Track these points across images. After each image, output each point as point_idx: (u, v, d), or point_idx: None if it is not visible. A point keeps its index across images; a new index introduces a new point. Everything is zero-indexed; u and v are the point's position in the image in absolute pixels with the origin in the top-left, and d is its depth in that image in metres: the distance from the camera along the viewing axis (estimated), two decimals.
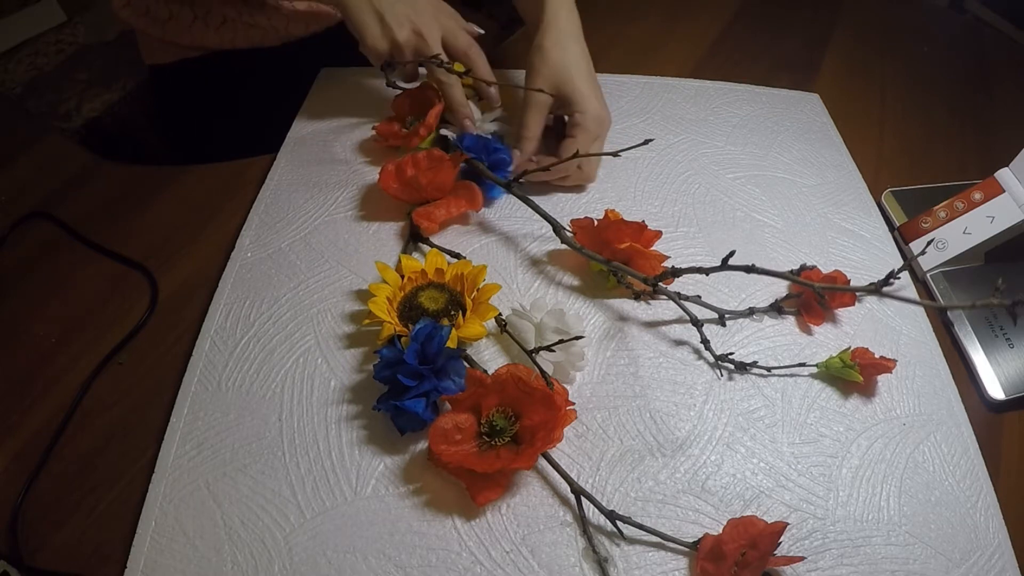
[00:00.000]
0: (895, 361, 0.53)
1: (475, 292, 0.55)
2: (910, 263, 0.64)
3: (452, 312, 0.53)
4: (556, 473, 0.48)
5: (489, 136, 0.66)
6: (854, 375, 0.53)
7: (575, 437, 0.50)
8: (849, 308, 0.59)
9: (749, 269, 0.52)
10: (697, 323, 0.55)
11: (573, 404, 0.48)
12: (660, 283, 0.54)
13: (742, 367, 0.55)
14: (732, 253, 0.52)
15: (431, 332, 0.49)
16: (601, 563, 0.44)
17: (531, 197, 0.61)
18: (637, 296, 0.59)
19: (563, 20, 0.67)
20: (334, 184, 0.66)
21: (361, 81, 0.77)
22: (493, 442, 0.47)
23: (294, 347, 0.54)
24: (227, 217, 0.64)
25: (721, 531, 0.45)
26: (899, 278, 0.52)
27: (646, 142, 0.59)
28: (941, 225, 0.65)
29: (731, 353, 0.55)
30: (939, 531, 0.48)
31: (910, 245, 0.66)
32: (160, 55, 0.83)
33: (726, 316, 0.57)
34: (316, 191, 0.65)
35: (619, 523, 0.45)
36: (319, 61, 0.79)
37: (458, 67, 0.72)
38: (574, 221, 0.59)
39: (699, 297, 0.57)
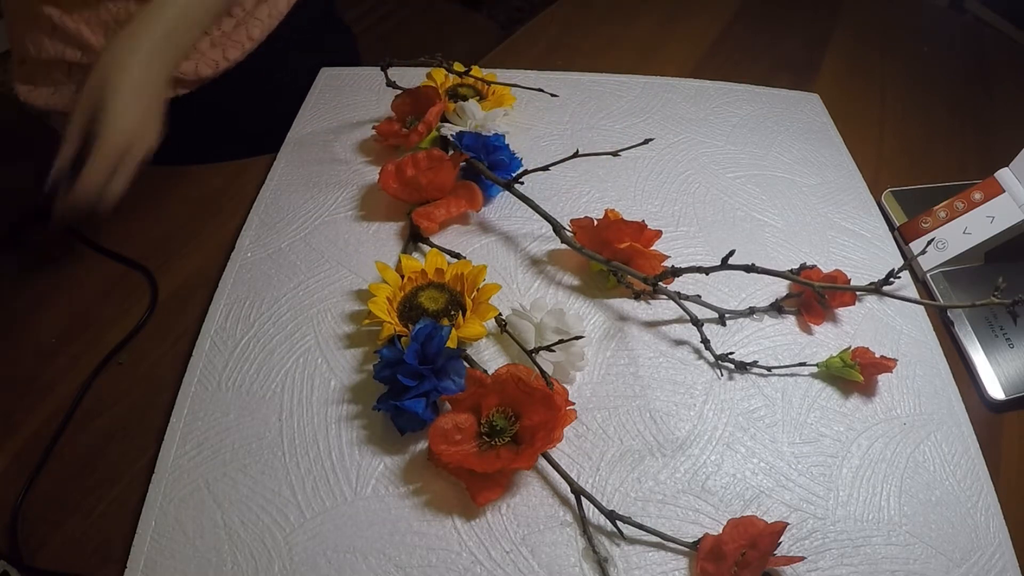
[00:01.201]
0: (895, 361, 0.53)
1: (475, 292, 0.55)
2: (910, 263, 0.64)
3: (452, 312, 0.53)
4: (556, 473, 0.48)
5: (490, 135, 0.66)
6: (854, 375, 0.53)
7: (575, 437, 0.50)
8: (849, 308, 0.59)
9: (749, 268, 0.52)
10: (697, 323, 0.54)
11: (573, 404, 0.48)
12: (660, 283, 0.54)
13: (742, 367, 0.55)
14: (732, 253, 0.52)
15: (431, 332, 0.49)
16: (601, 563, 0.44)
17: (531, 197, 0.61)
18: (637, 296, 0.59)
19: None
20: (334, 184, 0.66)
21: (361, 81, 0.77)
22: (493, 442, 0.47)
23: (294, 347, 0.54)
24: (227, 217, 0.64)
25: (721, 531, 0.45)
26: (899, 277, 0.52)
27: (646, 142, 0.59)
28: (941, 225, 0.65)
29: (731, 353, 0.55)
30: (939, 531, 0.48)
31: (910, 245, 0.66)
32: None
33: (726, 316, 0.57)
34: (316, 191, 0.65)
35: (619, 523, 0.45)
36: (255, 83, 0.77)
37: (458, 67, 0.72)
38: (574, 221, 0.59)
39: (699, 297, 0.57)
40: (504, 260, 0.61)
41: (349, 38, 0.97)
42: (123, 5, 0.66)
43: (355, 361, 0.53)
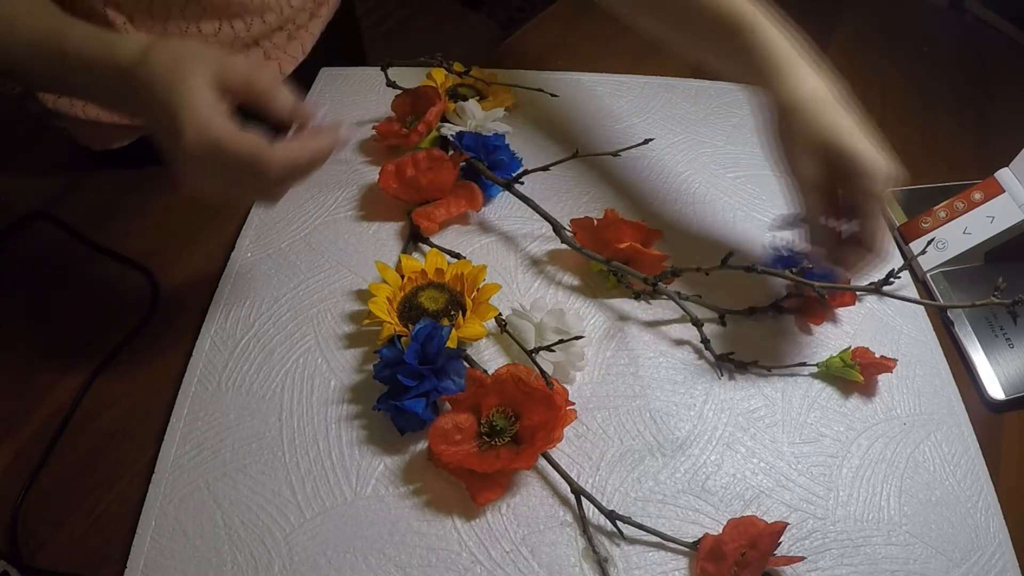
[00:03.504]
0: (895, 361, 0.53)
1: (475, 292, 0.55)
2: (910, 263, 0.64)
3: (452, 312, 0.53)
4: (556, 473, 0.48)
5: (490, 135, 0.66)
6: (854, 375, 0.53)
7: (575, 437, 0.50)
8: (849, 308, 0.59)
9: (749, 269, 0.52)
10: (697, 323, 0.54)
11: (573, 404, 0.48)
12: (660, 283, 0.54)
13: (742, 367, 0.55)
14: (732, 253, 0.52)
15: (431, 332, 0.49)
16: (601, 563, 0.44)
17: (531, 197, 0.61)
18: (637, 296, 0.59)
19: (803, 52, 0.53)
20: (334, 184, 0.66)
21: (361, 81, 0.77)
22: (493, 442, 0.47)
23: (294, 347, 0.54)
24: (227, 217, 0.64)
25: (721, 531, 0.45)
26: (899, 277, 0.52)
27: (646, 142, 0.59)
28: (941, 225, 0.65)
29: (731, 353, 0.55)
30: (939, 531, 0.48)
31: (910, 245, 0.66)
32: (112, 138, 0.71)
33: (726, 316, 0.57)
34: (316, 191, 0.65)
35: (619, 523, 0.45)
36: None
37: (458, 67, 0.72)
38: (574, 221, 0.59)
39: (699, 297, 0.57)
40: (504, 260, 0.61)
41: (358, 38, 0.97)
42: (186, 26, 0.65)
43: (355, 361, 0.53)
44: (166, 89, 0.42)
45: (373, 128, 0.69)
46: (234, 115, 0.44)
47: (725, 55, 0.57)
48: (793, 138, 0.52)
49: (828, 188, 0.51)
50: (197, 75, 0.42)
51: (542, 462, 0.48)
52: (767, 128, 0.54)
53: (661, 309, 0.59)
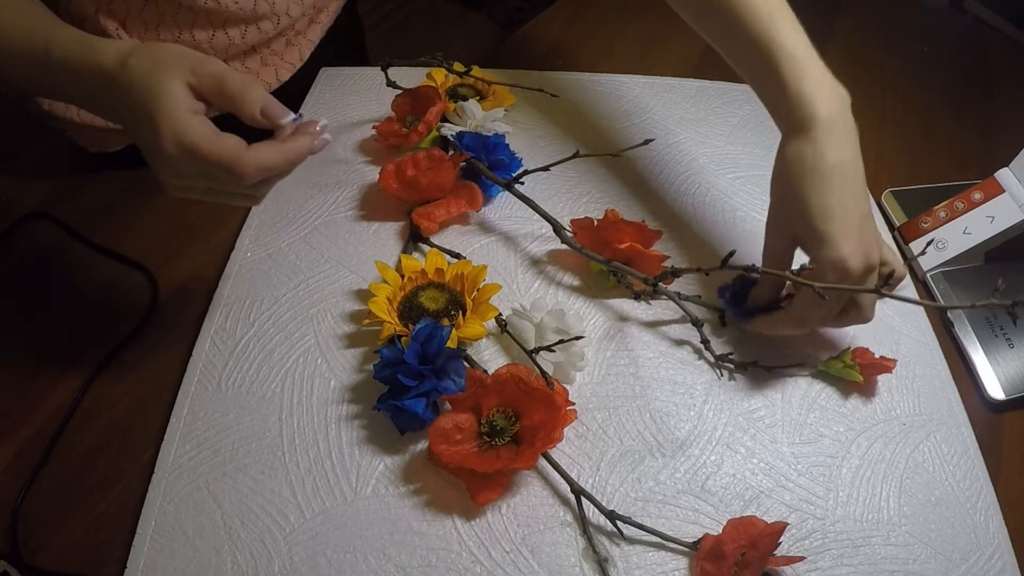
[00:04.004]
0: (895, 361, 0.53)
1: (475, 292, 0.55)
2: (910, 263, 0.64)
3: (452, 312, 0.53)
4: (556, 473, 0.48)
5: (490, 135, 0.66)
6: (854, 375, 0.53)
7: (575, 437, 0.50)
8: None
9: (749, 269, 0.52)
10: (697, 323, 0.55)
11: (573, 404, 0.48)
12: (660, 283, 0.54)
13: (742, 367, 0.55)
14: (732, 253, 0.52)
15: (431, 332, 0.49)
16: (601, 563, 0.44)
17: (531, 197, 0.61)
18: (637, 296, 0.59)
19: (822, 113, 0.50)
20: (334, 184, 0.66)
21: (361, 81, 0.77)
22: (493, 442, 0.47)
23: (294, 347, 0.54)
24: (227, 217, 0.64)
25: (721, 531, 0.45)
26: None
27: (646, 142, 0.59)
28: (941, 225, 0.65)
29: (731, 353, 0.55)
30: (939, 531, 0.48)
31: (910, 245, 0.66)
32: (107, 142, 0.70)
33: (726, 316, 0.57)
34: (316, 191, 0.65)
35: (619, 523, 0.45)
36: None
37: (458, 67, 0.72)
38: (574, 221, 0.59)
39: (699, 297, 0.57)
40: (504, 260, 0.61)
41: (361, 38, 0.97)
42: (179, 33, 0.65)
43: (355, 361, 0.53)
44: (143, 94, 0.42)
45: (373, 128, 0.69)
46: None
47: (761, 93, 0.57)
48: (780, 189, 0.52)
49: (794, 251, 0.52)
50: (174, 78, 0.43)
51: (542, 462, 0.48)
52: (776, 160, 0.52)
53: (661, 309, 0.59)
